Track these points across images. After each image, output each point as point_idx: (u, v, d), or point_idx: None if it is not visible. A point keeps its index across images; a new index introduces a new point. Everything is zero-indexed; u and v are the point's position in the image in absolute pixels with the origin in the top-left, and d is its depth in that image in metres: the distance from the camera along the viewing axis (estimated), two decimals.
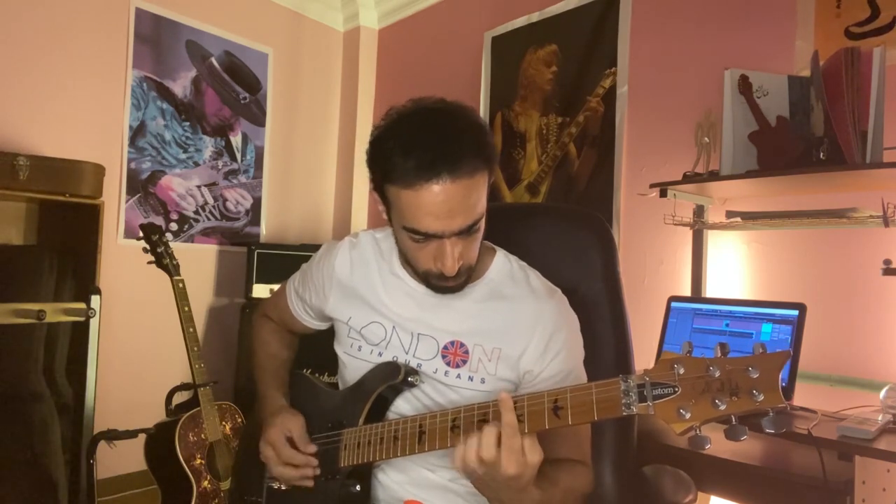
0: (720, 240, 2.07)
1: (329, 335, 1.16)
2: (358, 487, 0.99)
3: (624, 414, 0.74)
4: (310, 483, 1.02)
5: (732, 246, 2.05)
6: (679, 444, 1.61)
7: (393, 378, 0.99)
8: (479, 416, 0.85)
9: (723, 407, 0.69)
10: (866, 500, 1.30)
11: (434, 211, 0.87)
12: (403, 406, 1.03)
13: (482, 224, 0.95)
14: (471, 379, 0.99)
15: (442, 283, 0.97)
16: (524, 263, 1.09)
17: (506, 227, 1.19)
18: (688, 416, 0.71)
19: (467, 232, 0.91)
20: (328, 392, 1.12)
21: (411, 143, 0.88)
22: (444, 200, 0.87)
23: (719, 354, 0.72)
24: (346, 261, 1.10)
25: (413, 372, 1.00)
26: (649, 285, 2.24)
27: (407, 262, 1.02)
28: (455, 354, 1.00)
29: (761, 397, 0.68)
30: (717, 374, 0.70)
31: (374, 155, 0.94)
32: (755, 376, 0.69)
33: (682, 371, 0.72)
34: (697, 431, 0.71)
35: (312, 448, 1.03)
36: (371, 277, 1.08)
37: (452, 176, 0.86)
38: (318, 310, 1.14)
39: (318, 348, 1.23)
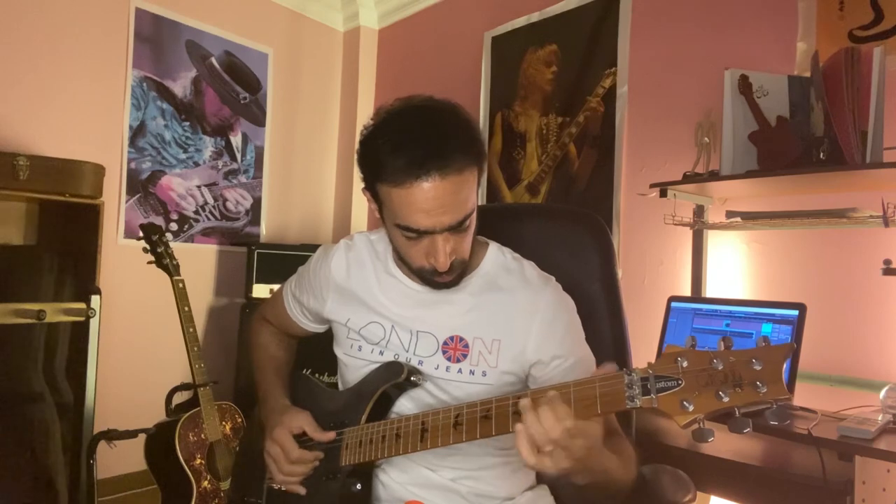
0: (720, 240, 2.07)
1: (329, 336, 1.16)
2: (359, 486, 0.99)
3: (628, 407, 0.74)
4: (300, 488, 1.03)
5: (732, 246, 2.05)
6: (678, 444, 1.61)
7: (395, 378, 0.99)
8: (482, 412, 0.85)
9: (726, 399, 0.69)
10: (866, 500, 1.30)
11: (425, 208, 0.88)
12: (406, 405, 1.03)
13: (473, 219, 0.96)
14: (472, 373, 0.99)
15: (436, 279, 0.98)
16: (518, 255, 1.09)
17: (504, 228, 1.19)
18: (691, 408, 0.71)
19: (458, 227, 0.92)
20: (330, 393, 1.12)
21: (400, 142, 0.89)
22: (435, 197, 0.88)
23: (722, 348, 0.72)
24: (342, 263, 1.10)
25: (416, 371, 1.00)
26: (649, 285, 2.24)
27: (401, 259, 1.02)
28: (455, 349, 1.01)
29: (765, 389, 0.68)
30: (721, 366, 0.70)
31: (363, 155, 0.95)
32: (759, 368, 0.69)
33: (685, 364, 0.72)
34: (701, 425, 0.71)
35: (330, 435, 1.02)
36: (367, 278, 1.08)
37: (442, 173, 0.87)
38: (316, 312, 1.14)
39: (317, 349, 1.23)
